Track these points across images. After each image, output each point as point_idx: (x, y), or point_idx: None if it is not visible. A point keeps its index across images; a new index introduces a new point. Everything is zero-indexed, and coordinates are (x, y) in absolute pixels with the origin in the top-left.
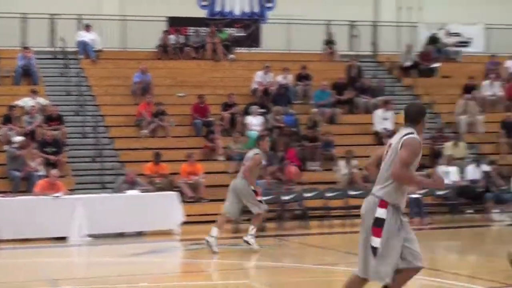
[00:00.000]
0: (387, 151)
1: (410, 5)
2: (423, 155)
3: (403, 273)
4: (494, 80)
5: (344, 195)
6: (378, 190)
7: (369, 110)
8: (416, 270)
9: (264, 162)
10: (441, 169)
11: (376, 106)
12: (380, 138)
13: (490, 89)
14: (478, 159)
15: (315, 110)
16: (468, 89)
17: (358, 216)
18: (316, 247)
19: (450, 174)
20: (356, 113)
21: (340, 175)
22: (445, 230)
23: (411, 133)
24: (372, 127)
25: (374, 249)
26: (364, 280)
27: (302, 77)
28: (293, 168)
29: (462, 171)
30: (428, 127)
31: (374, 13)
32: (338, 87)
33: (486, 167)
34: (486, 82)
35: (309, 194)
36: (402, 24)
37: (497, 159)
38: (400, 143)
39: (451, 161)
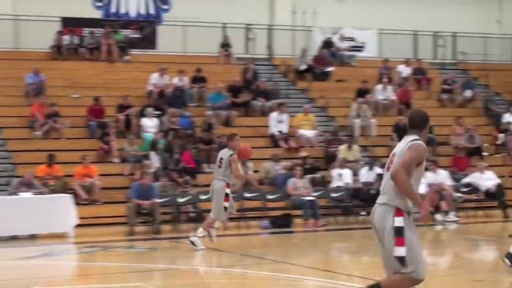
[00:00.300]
0: (391, 161)
1: (305, 9)
2: (317, 158)
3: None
4: (387, 84)
5: (239, 197)
6: (390, 199)
7: (264, 113)
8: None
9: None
10: (336, 171)
11: (271, 109)
12: (275, 141)
13: (383, 93)
14: (371, 162)
15: (210, 112)
16: (362, 93)
17: (253, 218)
18: (211, 250)
19: (344, 177)
20: (251, 115)
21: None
22: (339, 231)
23: (417, 139)
24: (267, 129)
25: (402, 259)
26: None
27: (197, 80)
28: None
29: (355, 174)
30: (322, 130)
31: (269, 17)
32: (234, 90)
33: (379, 170)
34: (379, 86)
35: (204, 197)
36: (297, 28)
37: None
38: (405, 148)
39: (344, 164)
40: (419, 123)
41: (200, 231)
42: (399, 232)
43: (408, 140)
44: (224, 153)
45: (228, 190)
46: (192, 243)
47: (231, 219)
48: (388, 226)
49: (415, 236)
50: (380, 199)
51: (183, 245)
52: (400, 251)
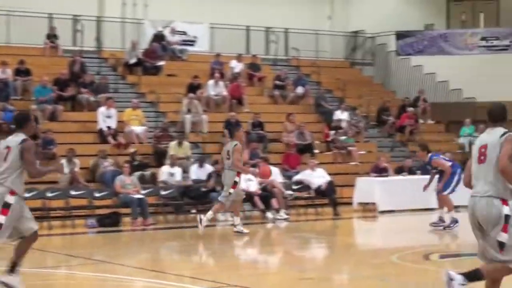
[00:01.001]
0: (482, 153)
1: (136, 2)
2: (146, 155)
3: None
4: (219, 80)
5: (65, 195)
6: (496, 191)
7: (92, 108)
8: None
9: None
10: (165, 168)
11: (99, 104)
12: (103, 137)
13: (215, 88)
14: (202, 159)
15: (35, 106)
16: (193, 88)
17: (79, 216)
18: (34, 250)
19: (174, 174)
20: (79, 110)
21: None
22: (169, 230)
23: (507, 131)
24: (95, 125)
25: (502, 244)
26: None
27: (21, 72)
28: None
29: (186, 171)
30: (152, 126)
31: (98, 8)
32: (60, 83)
33: (210, 167)
34: (210, 82)
35: (28, 194)
36: (127, 21)
37: (220, 159)
38: (501, 141)
39: (175, 160)
40: (502, 116)
41: (235, 219)
42: (507, 219)
43: (499, 133)
44: (229, 145)
45: (237, 179)
46: (239, 232)
47: (58, 217)
48: (496, 215)
49: None
50: (480, 191)
51: (3, 246)
52: (504, 236)
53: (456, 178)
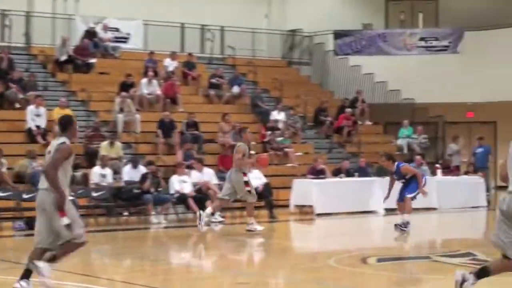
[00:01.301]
0: None
1: None
2: (77, 155)
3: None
4: (152, 78)
5: None
6: None
7: (21, 106)
8: None
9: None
10: (97, 169)
11: (28, 102)
12: (32, 136)
13: (148, 87)
14: (135, 160)
15: None
16: (126, 86)
17: (7, 219)
18: None
19: (105, 175)
20: (6, 108)
21: None
22: (101, 233)
23: None
24: (24, 124)
25: None
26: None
27: None
28: None
29: (118, 172)
30: (83, 125)
31: (28, 3)
32: None
33: (143, 168)
34: (144, 80)
35: None
36: (57, 16)
37: (154, 159)
38: None
39: (106, 161)
40: None
41: (249, 219)
42: None
43: None
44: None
45: (246, 178)
46: (250, 230)
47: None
48: None
49: None
50: None
51: None
52: None
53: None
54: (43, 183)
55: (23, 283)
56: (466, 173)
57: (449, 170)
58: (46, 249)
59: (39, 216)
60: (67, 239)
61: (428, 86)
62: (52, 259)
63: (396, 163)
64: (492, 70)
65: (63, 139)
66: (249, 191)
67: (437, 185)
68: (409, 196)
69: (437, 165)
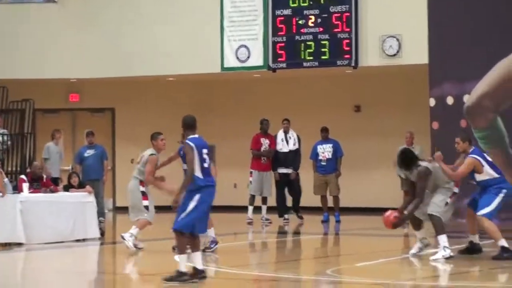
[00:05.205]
0: None
1: None
2: None
3: None
4: None
5: None
6: None
7: None
8: None
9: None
10: None
11: None
12: None
13: None
14: None
15: None
16: None
17: None
18: None
19: None
20: None
21: None
22: None
23: None
24: None
25: None
26: None
27: None
28: None
29: None
30: None
31: None
32: None
33: None
34: None
35: None
36: None
37: None
38: None
39: None
40: None
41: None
42: None
43: None
44: (145, 152)
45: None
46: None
47: None
48: None
49: None
50: None
51: None
52: None
53: None
54: None
55: None
56: (70, 187)
57: (42, 183)
58: None
59: None
60: None
61: None
62: None
63: None
64: None
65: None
66: (146, 207)
67: (23, 208)
68: None
69: (23, 177)
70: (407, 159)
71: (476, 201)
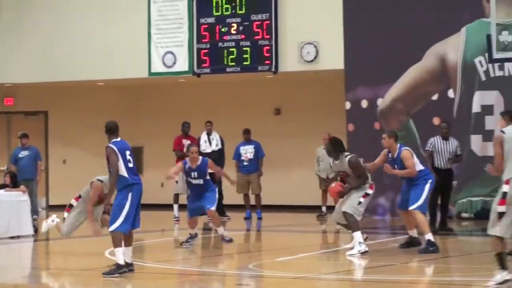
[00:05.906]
0: None
1: None
2: None
3: None
4: None
5: None
6: None
7: None
8: None
9: None
10: None
11: None
12: None
13: None
14: None
15: None
16: None
17: None
18: None
19: None
20: None
21: None
22: None
23: None
24: None
25: None
26: None
27: None
28: None
29: None
30: None
31: None
32: None
33: None
34: None
35: None
36: None
37: None
38: None
39: None
40: None
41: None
42: None
43: None
44: None
45: None
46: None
47: None
48: None
49: None
50: None
51: None
52: None
53: None
54: None
55: None
56: (4, 186)
57: None
58: None
59: None
60: None
61: None
62: None
63: None
64: None
65: None
66: None
67: None
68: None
69: None
70: (337, 144)
71: (405, 201)
